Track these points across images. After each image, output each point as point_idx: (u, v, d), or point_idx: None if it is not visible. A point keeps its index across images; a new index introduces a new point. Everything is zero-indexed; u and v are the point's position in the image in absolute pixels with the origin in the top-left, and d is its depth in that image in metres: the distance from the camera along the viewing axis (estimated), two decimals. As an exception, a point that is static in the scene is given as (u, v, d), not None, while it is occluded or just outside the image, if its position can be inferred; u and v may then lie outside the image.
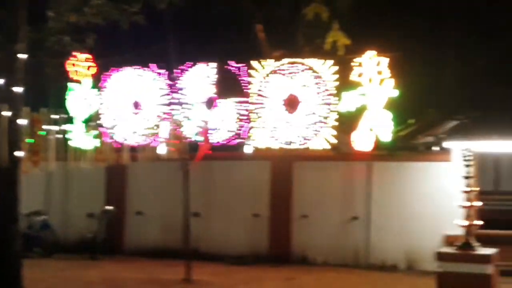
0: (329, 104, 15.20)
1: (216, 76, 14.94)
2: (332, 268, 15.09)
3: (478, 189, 13.16)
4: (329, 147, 15.27)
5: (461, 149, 12.91)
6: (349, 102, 15.09)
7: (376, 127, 14.89)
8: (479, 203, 13.08)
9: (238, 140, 15.27)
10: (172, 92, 15.19)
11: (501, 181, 17.41)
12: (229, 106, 15.21)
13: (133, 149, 15.58)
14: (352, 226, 15.56)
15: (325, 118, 15.20)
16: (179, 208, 14.20)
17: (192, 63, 15.09)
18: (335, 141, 15.17)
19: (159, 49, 16.04)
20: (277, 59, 15.60)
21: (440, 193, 14.55)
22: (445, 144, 14.21)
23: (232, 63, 15.19)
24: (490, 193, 17.46)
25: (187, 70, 15.18)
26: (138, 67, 15.68)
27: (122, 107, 15.80)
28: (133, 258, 16.43)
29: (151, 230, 17.21)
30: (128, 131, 15.66)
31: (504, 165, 16.17)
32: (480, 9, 16.03)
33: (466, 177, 12.47)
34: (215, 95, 14.92)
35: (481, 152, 14.53)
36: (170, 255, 15.63)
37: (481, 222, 12.86)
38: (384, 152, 15.01)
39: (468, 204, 12.36)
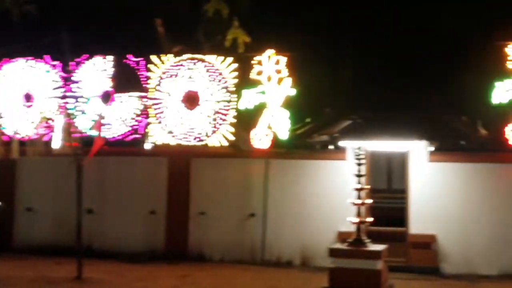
0: (228, 101, 15.21)
1: (113, 69, 14.62)
2: (228, 265, 15.11)
3: (369, 187, 13.59)
4: (227, 144, 15.31)
5: (353, 148, 13.29)
6: (248, 100, 15.17)
7: (274, 125, 15.08)
8: (370, 201, 13.50)
9: (135, 136, 14.99)
10: (67, 85, 14.71)
11: (393, 179, 18.08)
12: (126, 100, 14.89)
13: (22, 143, 14.97)
14: (249, 223, 15.62)
15: (224, 115, 15.23)
16: (72, 205, 13.79)
17: (88, 55, 14.68)
18: (233, 138, 15.23)
19: (54, 40, 15.46)
20: (177, 54, 15.44)
21: (335, 190, 14.85)
22: (340, 143, 14.55)
23: (131, 57, 14.90)
24: (383, 191, 18.11)
25: (83, 62, 14.76)
26: (30, 58, 15.07)
27: (13, 99, 15.14)
28: (23, 256, 15.76)
29: (42, 227, 16.58)
30: (19, 124, 15.03)
31: (396, 164, 16.74)
32: (378, 12, 16.59)
33: (358, 175, 12.84)
34: (112, 89, 14.59)
35: (375, 151, 15.02)
36: (62, 252, 15.13)
37: (371, 219, 13.28)
38: (282, 150, 15.18)
39: (359, 201, 12.72)
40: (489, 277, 14.05)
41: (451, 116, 15.22)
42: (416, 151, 14.85)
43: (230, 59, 15.25)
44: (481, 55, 14.75)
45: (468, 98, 14.78)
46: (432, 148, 14.85)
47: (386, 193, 17.83)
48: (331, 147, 15.13)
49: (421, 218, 14.74)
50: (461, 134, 14.91)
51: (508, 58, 14.18)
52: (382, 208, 16.54)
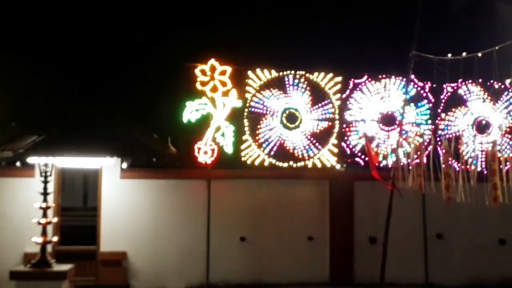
0: None
1: None
2: None
3: (54, 205, 13.13)
4: None
5: (40, 165, 12.73)
6: None
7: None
8: (56, 220, 13.05)
9: None
10: None
11: (89, 197, 17.80)
12: None
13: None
14: None
15: None
16: None
17: None
18: None
19: None
20: None
21: (22, 209, 13.98)
22: (28, 159, 13.81)
23: None
24: (79, 209, 17.73)
25: None
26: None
27: None
28: None
29: None
30: None
31: (91, 182, 16.48)
32: (76, 28, 16.30)
33: (44, 194, 12.35)
34: None
35: (70, 169, 14.54)
36: None
37: (57, 239, 12.82)
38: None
39: (45, 221, 12.22)
40: (177, 291, 14.52)
41: (143, 134, 15.46)
42: (109, 168, 14.74)
43: None
44: (174, 75, 15.28)
45: (159, 117, 15.16)
46: (125, 165, 14.90)
47: (82, 211, 17.50)
48: (18, 163, 14.27)
49: (112, 235, 14.63)
50: (153, 151, 15.21)
51: (198, 79, 14.95)
52: (77, 226, 16.19)
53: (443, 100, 15.63)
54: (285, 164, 15.22)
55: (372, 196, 15.29)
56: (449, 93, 15.62)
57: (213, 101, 14.92)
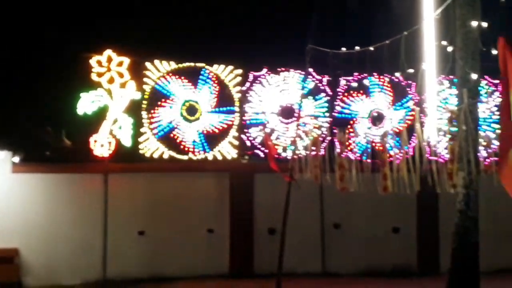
0: None
1: None
2: None
3: None
4: None
5: None
6: None
7: None
8: None
9: None
10: None
11: None
12: None
13: None
14: None
15: None
16: None
17: None
18: None
19: None
20: None
21: None
22: None
23: None
24: None
25: None
26: None
27: None
28: None
29: None
30: None
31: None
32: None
33: None
34: None
35: None
36: None
37: None
38: None
39: None
40: (73, 287, 14.09)
41: (36, 126, 14.93)
42: (-1, 162, 14.13)
43: None
44: (68, 66, 14.80)
45: (53, 108, 14.66)
46: (17, 159, 14.32)
47: None
48: None
49: (3, 232, 14.04)
50: (46, 144, 14.70)
51: (93, 69, 14.51)
52: None
53: (340, 93, 15.92)
54: (185, 157, 15.07)
55: (272, 187, 15.34)
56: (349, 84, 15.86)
57: (109, 92, 14.55)
